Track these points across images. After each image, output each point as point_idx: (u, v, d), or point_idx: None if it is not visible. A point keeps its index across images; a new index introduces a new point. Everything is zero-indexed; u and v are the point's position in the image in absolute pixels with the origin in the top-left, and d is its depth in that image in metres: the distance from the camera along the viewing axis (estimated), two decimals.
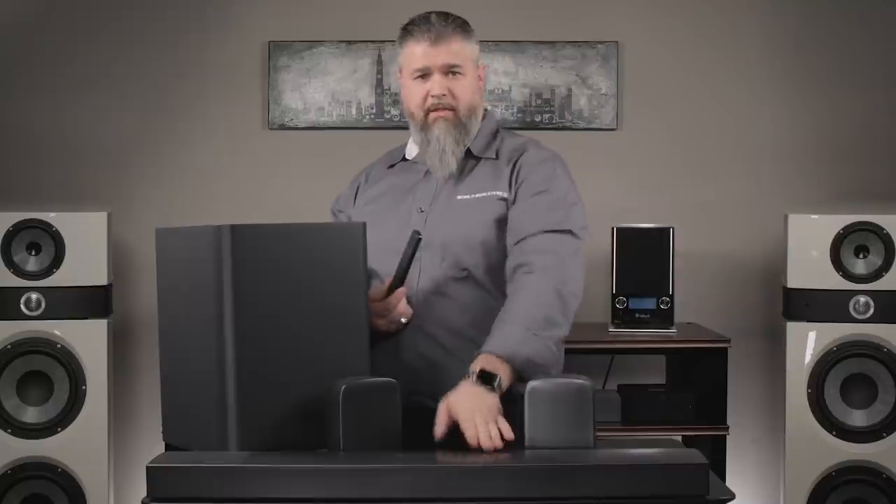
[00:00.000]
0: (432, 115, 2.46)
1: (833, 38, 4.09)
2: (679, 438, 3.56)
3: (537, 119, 4.08)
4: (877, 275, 3.65)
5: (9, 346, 3.63)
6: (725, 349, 3.65)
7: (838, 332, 3.66)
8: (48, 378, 3.66)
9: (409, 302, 2.41)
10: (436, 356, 2.39)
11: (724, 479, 3.47)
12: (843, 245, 3.67)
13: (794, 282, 3.71)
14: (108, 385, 3.70)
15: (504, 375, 2.21)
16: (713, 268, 4.08)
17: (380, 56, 4.06)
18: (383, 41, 4.05)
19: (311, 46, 4.07)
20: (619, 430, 3.64)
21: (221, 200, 4.05)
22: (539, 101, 4.09)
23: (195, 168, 4.09)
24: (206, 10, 4.09)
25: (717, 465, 3.54)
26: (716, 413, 3.65)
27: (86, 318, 3.67)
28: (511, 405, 2.19)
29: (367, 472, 1.90)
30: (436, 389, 2.35)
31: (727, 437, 3.65)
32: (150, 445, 3.83)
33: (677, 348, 3.75)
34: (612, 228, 3.74)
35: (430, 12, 2.47)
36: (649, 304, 3.73)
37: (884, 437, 3.63)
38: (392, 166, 2.60)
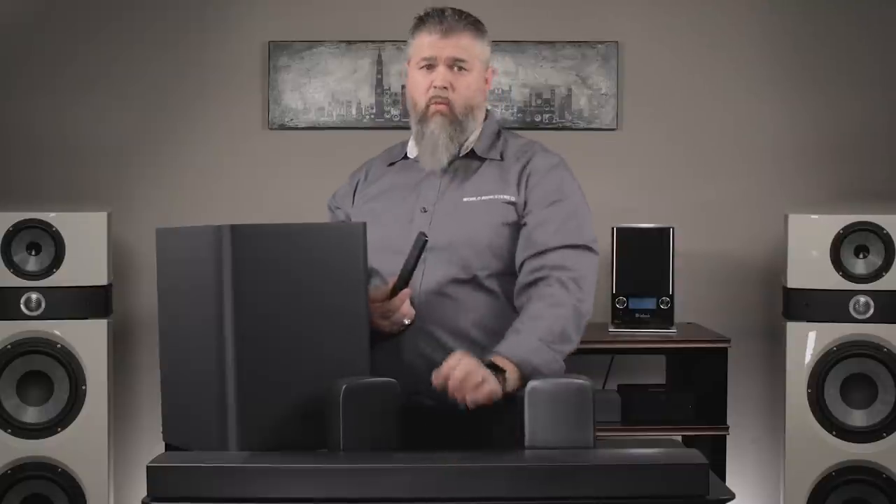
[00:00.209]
0: (431, 108, 2.45)
1: (832, 37, 4.09)
2: (679, 438, 3.56)
3: (537, 119, 4.08)
4: (877, 275, 3.65)
5: (9, 346, 3.64)
6: (725, 349, 3.65)
7: (838, 332, 3.66)
8: (48, 378, 3.66)
9: (411, 303, 2.41)
10: (437, 357, 2.38)
11: (724, 479, 3.47)
12: (843, 245, 3.67)
13: (794, 282, 3.71)
14: (108, 385, 3.71)
15: (512, 378, 2.22)
16: (713, 268, 4.08)
17: (380, 56, 4.06)
18: (383, 41, 4.05)
19: (311, 46, 4.07)
20: (619, 430, 3.64)
21: (221, 200, 4.05)
22: (539, 101, 4.09)
23: (195, 168, 4.09)
24: (206, 10, 4.09)
25: (717, 465, 3.54)
26: (716, 413, 3.65)
27: (86, 318, 3.67)
28: (511, 405, 2.20)
29: (367, 472, 1.90)
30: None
31: (727, 437, 3.65)
32: (150, 445, 3.83)
33: (677, 348, 3.75)
34: (612, 228, 3.74)
35: (447, 7, 2.48)
36: (649, 304, 3.73)
37: (884, 437, 3.63)
38: (392, 164, 2.59)
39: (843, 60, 4.09)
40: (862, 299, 3.65)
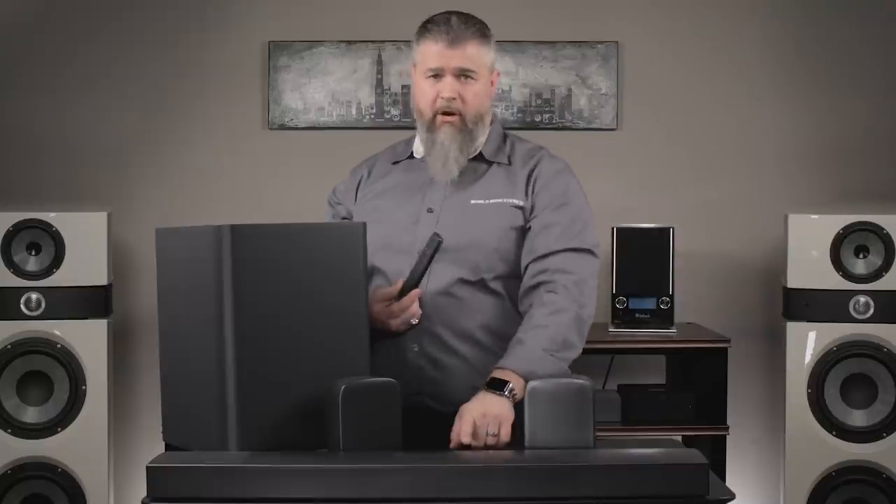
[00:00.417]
0: (439, 118, 2.44)
1: (832, 39, 4.09)
2: (679, 438, 3.56)
3: (537, 119, 4.08)
4: (877, 275, 3.65)
5: (9, 346, 3.63)
6: (725, 349, 3.65)
7: (838, 332, 3.66)
8: (48, 378, 3.66)
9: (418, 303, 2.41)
10: (441, 357, 2.39)
11: (724, 479, 3.47)
12: (843, 245, 3.67)
13: (794, 282, 3.71)
14: (108, 385, 3.70)
15: (517, 387, 2.23)
16: (713, 268, 4.08)
17: (380, 56, 4.06)
18: (383, 41, 4.05)
19: (311, 46, 4.07)
20: (619, 430, 3.64)
21: (221, 200, 4.05)
22: (539, 101, 4.09)
23: (195, 168, 4.09)
24: (206, 10, 4.09)
25: (717, 465, 3.54)
26: (716, 413, 3.65)
27: (86, 318, 3.67)
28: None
29: (367, 472, 1.90)
30: (439, 390, 2.37)
31: (727, 437, 3.65)
32: (150, 445, 3.83)
33: (677, 348, 3.75)
34: (612, 228, 3.74)
35: (452, 13, 2.45)
36: (649, 304, 3.73)
37: (884, 437, 3.63)
38: (397, 162, 2.59)
39: (843, 62, 4.09)
40: (862, 299, 3.65)
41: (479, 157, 2.51)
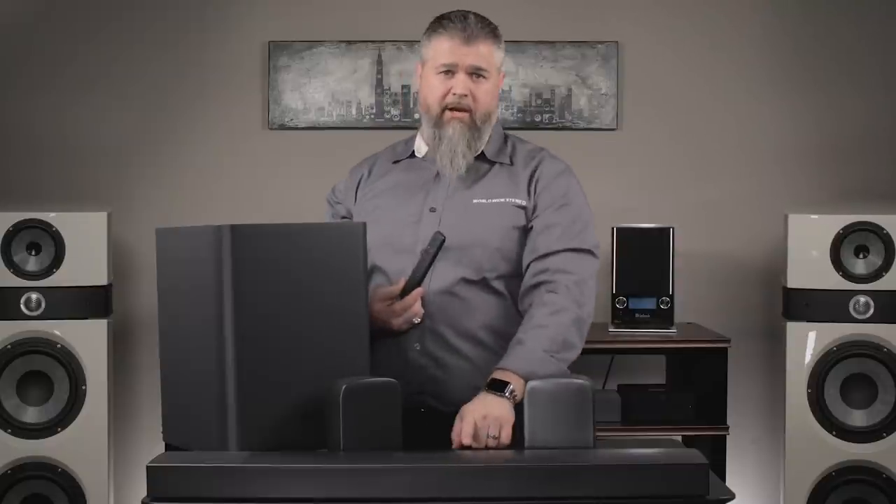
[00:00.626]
0: (448, 113, 2.45)
1: (832, 38, 4.09)
2: (679, 438, 3.56)
3: (537, 119, 4.08)
4: (877, 275, 3.65)
5: (9, 346, 3.63)
6: (725, 349, 3.65)
7: (838, 332, 3.66)
8: (48, 378, 3.66)
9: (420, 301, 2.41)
10: (443, 356, 2.39)
11: (724, 479, 3.47)
12: (843, 245, 3.67)
13: (794, 282, 3.71)
14: (108, 385, 3.70)
15: (518, 388, 2.23)
16: (713, 268, 4.08)
17: (380, 56, 4.06)
18: (383, 41, 4.05)
19: (311, 46, 4.07)
20: (619, 430, 3.64)
21: (221, 200, 4.05)
22: (539, 101, 4.09)
23: (195, 168, 4.09)
24: (206, 10, 4.09)
25: (717, 465, 3.54)
26: (716, 413, 3.65)
27: (86, 318, 3.67)
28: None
29: (367, 472, 1.90)
30: (441, 389, 2.37)
31: (727, 437, 3.65)
32: (150, 445, 3.83)
33: (677, 348, 3.75)
34: (612, 228, 3.74)
35: (469, 12, 2.47)
36: (649, 304, 3.73)
37: (884, 437, 3.63)
38: (397, 162, 2.59)
39: (843, 61, 4.09)
40: (862, 299, 3.65)
41: (482, 157, 2.51)
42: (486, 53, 2.44)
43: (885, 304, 3.64)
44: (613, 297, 3.74)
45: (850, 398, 3.67)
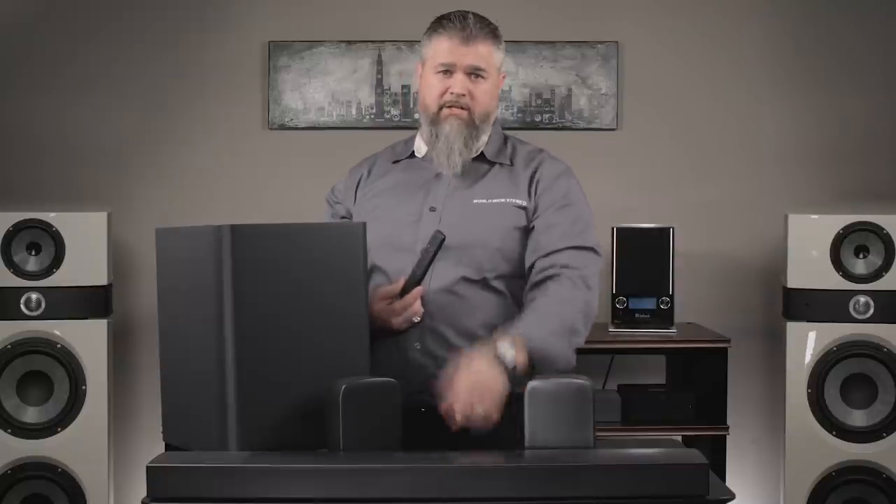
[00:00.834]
0: (445, 111, 2.45)
1: (833, 38, 4.09)
2: (679, 438, 3.56)
3: (537, 119, 4.08)
4: (877, 275, 3.65)
5: (9, 346, 3.64)
6: (725, 349, 3.65)
7: (838, 332, 3.66)
8: (48, 378, 3.66)
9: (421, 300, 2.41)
10: (443, 355, 2.39)
11: (724, 479, 3.47)
12: (843, 245, 3.67)
13: (794, 282, 3.71)
14: (108, 385, 3.71)
15: (520, 361, 2.22)
16: (713, 268, 4.08)
17: (380, 56, 4.06)
18: (383, 41, 4.05)
19: (311, 46, 4.07)
20: (619, 430, 3.64)
21: (221, 200, 4.05)
22: (539, 101, 4.09)
23: (195, 168, 4.09)
24: (206, 10, 4.09)
25: (717, 465, 3.54)
26: (716, 413, 3.65)
27: (86, 318, 3.67)
28: (510, 405, 2.20)
29: (367, 472, 1.90)
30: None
31: (727, 437, 3.65)
32: (150, 445, 3.83)
33: (677, 348, 3.75)
34: (612, 228, 3.74)
35: (469, 12, 2.47)
36: (649, 304, 3.73)
37: (884, 437, 3.63)
38: (397, 161, 2.59)
39: (844, 61, 4.09)
40: (862, 299, 3.65)
41: (481, 158, 2.52)
42: (485, 54, 2.45)
43: (885, 304, 3.64)
44: (613, 297, 3.74)
45: (850, 398, 3.67)
